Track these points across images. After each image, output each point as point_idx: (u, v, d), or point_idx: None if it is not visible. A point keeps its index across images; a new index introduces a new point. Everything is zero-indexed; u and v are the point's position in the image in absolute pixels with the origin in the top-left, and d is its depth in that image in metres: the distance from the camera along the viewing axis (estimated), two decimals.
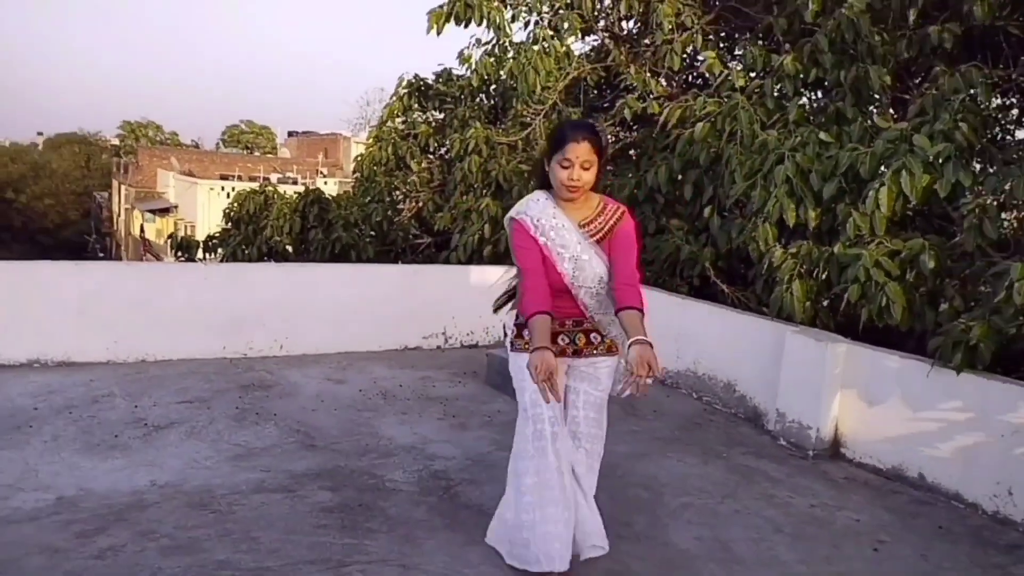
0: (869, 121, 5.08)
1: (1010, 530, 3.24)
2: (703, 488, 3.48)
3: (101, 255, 43.85)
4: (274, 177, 38.51)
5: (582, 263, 2.52)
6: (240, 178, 37.96)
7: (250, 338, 5.23)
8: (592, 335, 2.64)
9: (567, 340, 2.63)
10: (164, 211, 38.48)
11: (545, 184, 2.61)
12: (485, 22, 7.08)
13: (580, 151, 2.44)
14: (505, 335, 2.76)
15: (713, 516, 3.19)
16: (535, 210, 2.56)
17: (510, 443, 2.63)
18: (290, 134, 60.67)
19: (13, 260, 5.82)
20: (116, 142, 59.11)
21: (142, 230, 37.76)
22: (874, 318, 4.14)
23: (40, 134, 63.47)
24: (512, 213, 2.60)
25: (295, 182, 33.68)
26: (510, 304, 2.79)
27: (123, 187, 44.77)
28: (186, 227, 30.72)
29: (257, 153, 59.15)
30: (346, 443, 3.74)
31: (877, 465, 3.83)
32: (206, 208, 32.79)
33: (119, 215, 45.53)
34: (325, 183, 36.00)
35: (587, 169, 2.46)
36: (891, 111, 5.47)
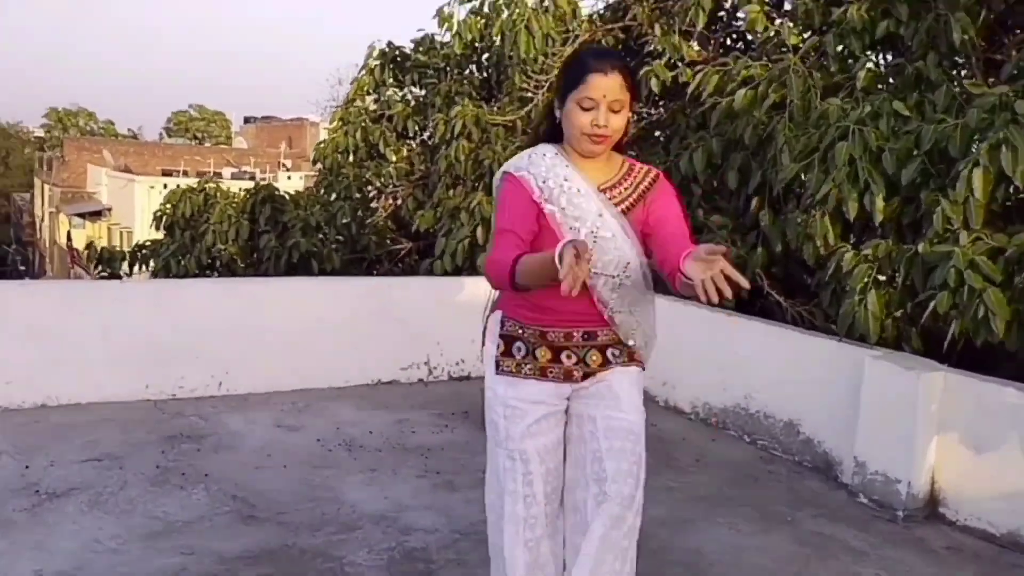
0: (957, 86, 4.81)
1: None
2: (764, 565, 3.24)
3: (23, 268, 43.79)
4: (227, 172, 38.60)
5: (604, 243, 2.18)
6: (186, 173, 38.10)
7: (181, 374, 4.98)
8: (609, 351, 2.31)
9: (575, 359, 2.29)
10: (96, 215, 38.52)
11: (549, 137, 2.31)
12: None
13: (607, 86, 2.12)
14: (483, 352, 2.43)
15: None
16: (540, 167, 2.22)
17: None
18: (247, 120, 60.97)
19: None
20: (41, 133, 59.34)
21: (69, 238, 37.64)
22: (969, 334, 3.86)
23: None
24: (507, 167, 2.27)
25: (252, 177, 33.68)
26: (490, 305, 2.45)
27: (47, 187, 44.83)
28: (122, 233, 30.67)
29: (208, 143, 59.38)
30: (297, 513, 3.50)
31: (988, 529, 3.57)
32: (146, 211, 32.69)
33: (43, 220, 45.57)
34: (288, 177, 36.04)
35: (616, 112, 2.15)
36: (981, 74, 5.22)
